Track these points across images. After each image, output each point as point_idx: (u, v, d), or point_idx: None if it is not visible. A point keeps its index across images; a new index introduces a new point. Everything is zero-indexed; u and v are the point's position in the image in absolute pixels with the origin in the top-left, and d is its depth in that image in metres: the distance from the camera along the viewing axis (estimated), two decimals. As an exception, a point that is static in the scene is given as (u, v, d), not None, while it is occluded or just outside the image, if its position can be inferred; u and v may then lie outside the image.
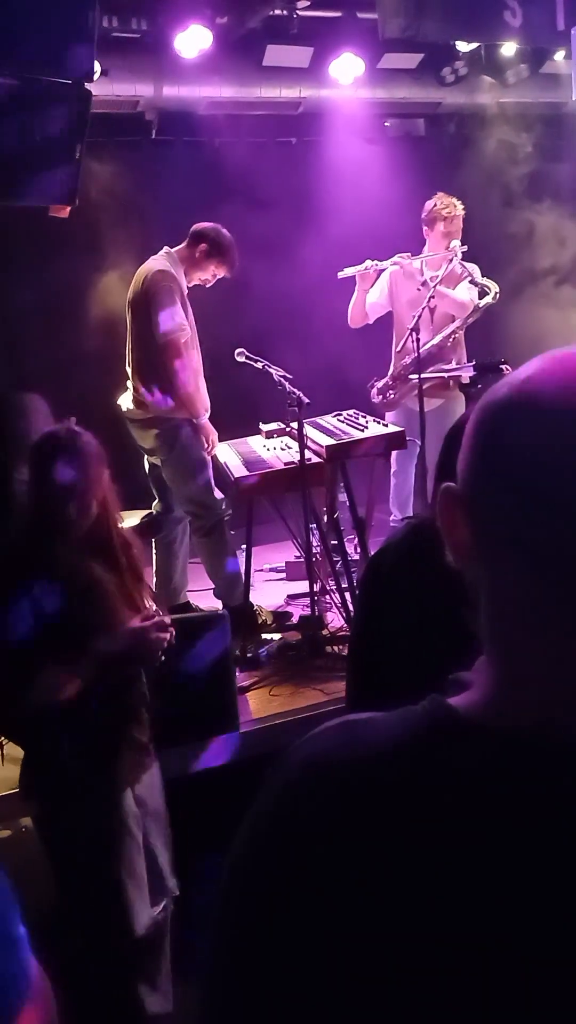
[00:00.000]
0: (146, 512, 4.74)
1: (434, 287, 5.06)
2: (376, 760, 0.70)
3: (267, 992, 0.67)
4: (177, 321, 4.39)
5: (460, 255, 5.17)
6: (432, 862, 0.65)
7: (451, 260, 5.16)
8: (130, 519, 4.64)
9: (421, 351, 5.01)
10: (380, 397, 5.45)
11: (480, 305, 5.25)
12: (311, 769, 0.72)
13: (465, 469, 0.73)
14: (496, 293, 5.23)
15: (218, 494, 4.56)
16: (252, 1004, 0.68)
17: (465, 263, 5.21)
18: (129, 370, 4.60)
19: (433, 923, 0.64)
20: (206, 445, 4.54)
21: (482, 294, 5.25)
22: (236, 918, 0.71)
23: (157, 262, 4.54)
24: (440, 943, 0.63)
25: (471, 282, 5.25)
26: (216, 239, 4.62)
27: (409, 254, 5.24)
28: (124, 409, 4.64)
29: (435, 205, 5.29)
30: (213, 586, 5.11)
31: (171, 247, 4.62)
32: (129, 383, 4.60)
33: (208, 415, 4.60)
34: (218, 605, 4.76)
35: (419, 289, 5.14)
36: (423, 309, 5.03)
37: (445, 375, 5.35)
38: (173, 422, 4.49)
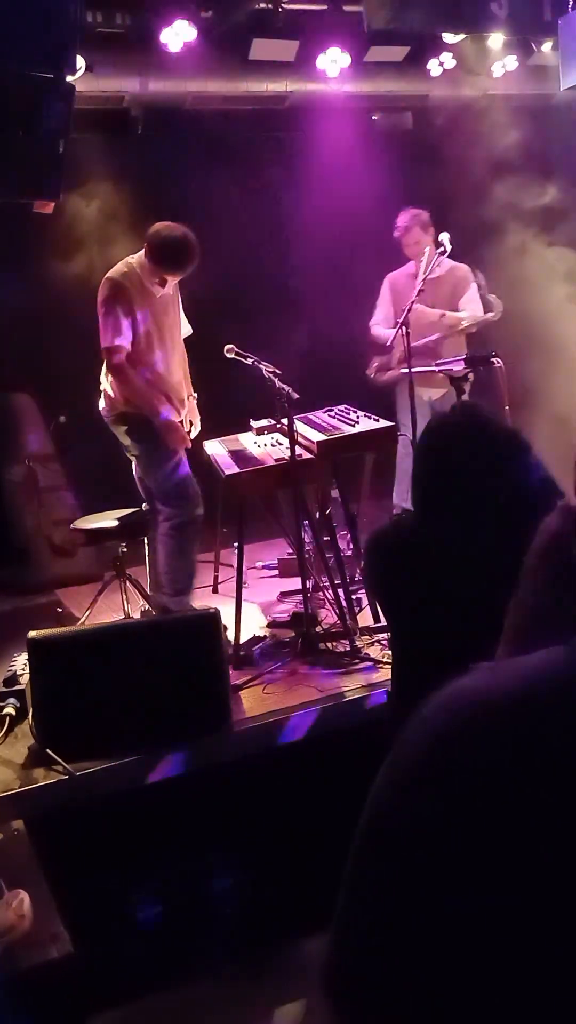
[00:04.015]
0: (132, 510, 4.69)
1: (417, 293, 5.14)
2: (527, 693, 0.69)
3: (426, 917, 0.66)
4: (111, 336, 4.35)
5: (449, 249, 5.16)
6: None
7: (442, 253, 5.16)
8: (117, 517, 4.62)
9: (422, 342, 5.10)
10: (377, 371, 5.55)
11: (481, 318, 5.42)
12: (458, 706, 0.71)
13: None
14: (499, 311, 5.36)
15: (192, 491, 4.51)
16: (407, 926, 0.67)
17: (477, 271, 5.35)
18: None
19: None
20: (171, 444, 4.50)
21: (486, 308, 5.39)
22: (389, 858, 0.70)
23: (115, 268, 4.50)
24: None
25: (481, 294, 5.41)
26: (152, 241, 4.44)
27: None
28: (99, 409, 4.61)
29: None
30: (212, 584, 5.11)
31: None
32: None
33: (178, 414, 4.56)
34: (211, 603, 4.74)
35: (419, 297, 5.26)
36: (412, 303, 5.05)
37: (436, 369, 5.35)
38: (140, 415, 4.48)
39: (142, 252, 4.49)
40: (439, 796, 0.68)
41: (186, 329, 4.79)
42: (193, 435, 4.74)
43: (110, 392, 4.51)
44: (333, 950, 0.72)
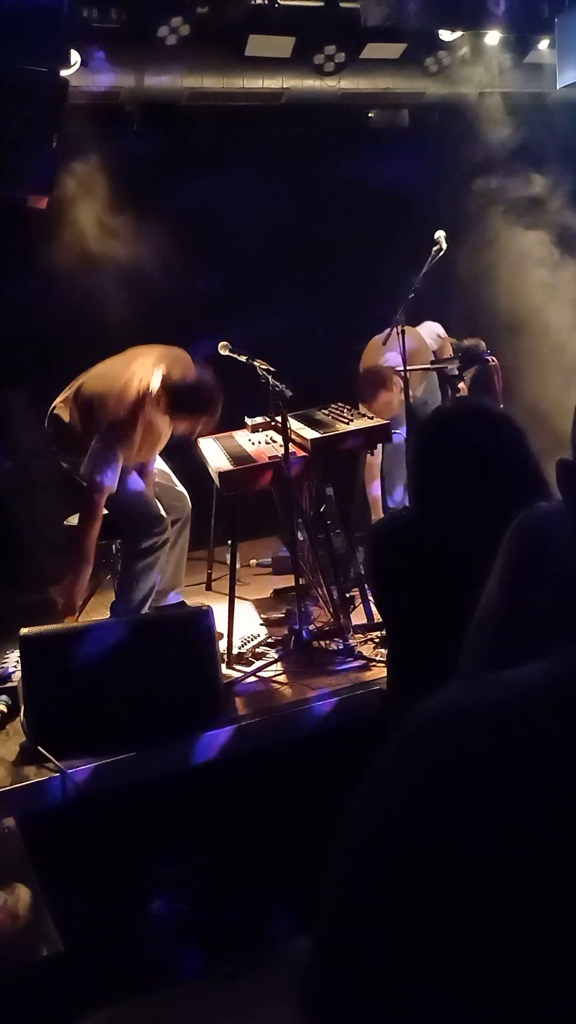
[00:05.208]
0: None
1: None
2: (513, 708, 0.67)
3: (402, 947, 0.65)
4: (104, 474, 4.09)
5: (445, 247, 5.14)
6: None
7: (439, 251, 5.14)
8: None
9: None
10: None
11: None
12: (440, 723, 0.69)
13: None
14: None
15: (150, 516, 4.34)
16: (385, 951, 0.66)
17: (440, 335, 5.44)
18: (67, 405, 4.39)
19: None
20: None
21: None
22: (364, 886, 0.68)
23: (125, 398, 4.15)
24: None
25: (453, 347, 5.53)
26: (167, 385, 4.15)
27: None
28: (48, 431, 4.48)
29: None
30: (206, 581, 5.08)
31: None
32: (64, 408, 4.42)
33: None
34: (205, 600, 4.72)
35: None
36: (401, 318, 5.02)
37: (433, 367, 5.36)
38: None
39: (159, 380, 4.18)
40: (436, 828, 0.66)
41: None
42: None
43: (60, 434, 4.34)
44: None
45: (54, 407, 4.46)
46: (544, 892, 0.61)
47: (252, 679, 4.03)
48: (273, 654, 4.24)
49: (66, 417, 4.38)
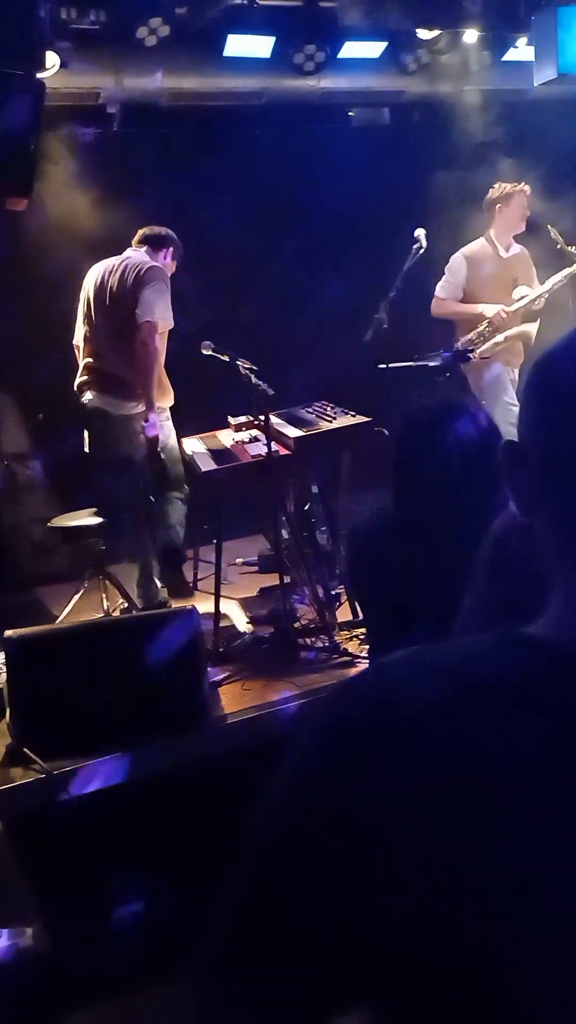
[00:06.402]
0: None
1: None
2: (442, 676, 0.71)
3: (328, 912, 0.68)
4: (162, 311, 4.55)
5: (425, 245, 5.15)
6: (498, 782, 0.65)
7: (419, 250, 5.15)
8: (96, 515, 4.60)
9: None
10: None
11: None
12: (378, 695, 0.73)
13: (531, 423, 0.75)
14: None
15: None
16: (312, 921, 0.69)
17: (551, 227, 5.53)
18: (101, 364, 4.59)
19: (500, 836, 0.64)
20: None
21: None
22: (291, 855, 0.71)
23: (150, 257, 4.69)
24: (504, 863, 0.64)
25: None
26: (175, 240, 4.84)
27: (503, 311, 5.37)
28: (104, 409, 4.63)
29: (493, 193, 5.53)
30: (192, 581, 5.15)
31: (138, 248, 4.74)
32: (90, 379, 4.59)
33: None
34: (191, 600, 4.74)
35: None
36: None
37: (414, 364, 5.37)
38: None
39: (143, 254, 4.70)
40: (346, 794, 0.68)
41: None
42: None
43: (129, 380, 4.56)
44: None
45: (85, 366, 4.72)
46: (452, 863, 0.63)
47: (238, 678, 4.03)
48: (259, 652, 4.24)
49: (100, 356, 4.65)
